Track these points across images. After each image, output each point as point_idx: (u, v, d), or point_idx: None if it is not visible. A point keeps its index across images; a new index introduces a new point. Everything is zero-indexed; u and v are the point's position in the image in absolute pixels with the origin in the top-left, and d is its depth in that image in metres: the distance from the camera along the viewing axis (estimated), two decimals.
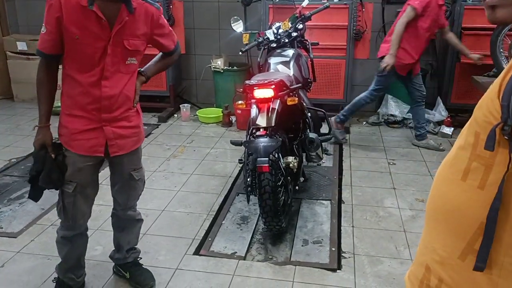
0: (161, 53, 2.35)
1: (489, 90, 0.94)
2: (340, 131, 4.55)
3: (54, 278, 2.46)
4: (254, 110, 2.88)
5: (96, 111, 2.06)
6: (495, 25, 3.44)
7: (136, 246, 2.58)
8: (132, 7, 1.99)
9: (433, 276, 1.06)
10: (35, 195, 2.21)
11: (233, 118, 5.18)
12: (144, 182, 2.42)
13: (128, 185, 2.31)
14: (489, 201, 0.92)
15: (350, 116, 4.61)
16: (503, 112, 0.87)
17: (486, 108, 0.93)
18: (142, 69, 2.26)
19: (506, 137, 0.87)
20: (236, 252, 2.83)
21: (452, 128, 4.79)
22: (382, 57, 4.14)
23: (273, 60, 3.49)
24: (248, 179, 2.85)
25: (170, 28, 2.27)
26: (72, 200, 2.16)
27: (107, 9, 1.94)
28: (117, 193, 2.35)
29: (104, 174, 2.59)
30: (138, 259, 2.60)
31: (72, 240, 2.29)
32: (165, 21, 2.21)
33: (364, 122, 5.26)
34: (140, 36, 2.07)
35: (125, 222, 2.46)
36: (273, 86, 2.84)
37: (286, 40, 3.68)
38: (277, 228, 2.86)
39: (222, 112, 5.18)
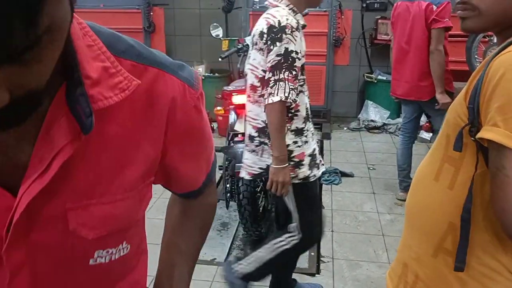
0: (173, 205, 0.97)
1: (459, 94, 0.99)
2: None
3: None
4: (232, 116, 2.89)
5: None
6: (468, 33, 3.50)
7: None
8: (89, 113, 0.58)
9: (410, 273, 1.09)
10: None
11: (215, 125, 5.18)
12: None
13: None
14: (457, 201, 0.95)
15: None
16: (470, 114, 0.91)
17: (456, 111, 0.98)
18: None
19: (473, 139, 0.91)
20: (215, 258, 2.82)
21: (431, 134, 4.86)
22: None
23: None
24: (228, 185, 2.85)
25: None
26: None
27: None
28: None
29: None
30: None
31: None
32: (203, 109, 0.77)
33: (345, 128, 5.30)
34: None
35: None
36: None
37: None
38: (256, 234, 2.86)
39: None
